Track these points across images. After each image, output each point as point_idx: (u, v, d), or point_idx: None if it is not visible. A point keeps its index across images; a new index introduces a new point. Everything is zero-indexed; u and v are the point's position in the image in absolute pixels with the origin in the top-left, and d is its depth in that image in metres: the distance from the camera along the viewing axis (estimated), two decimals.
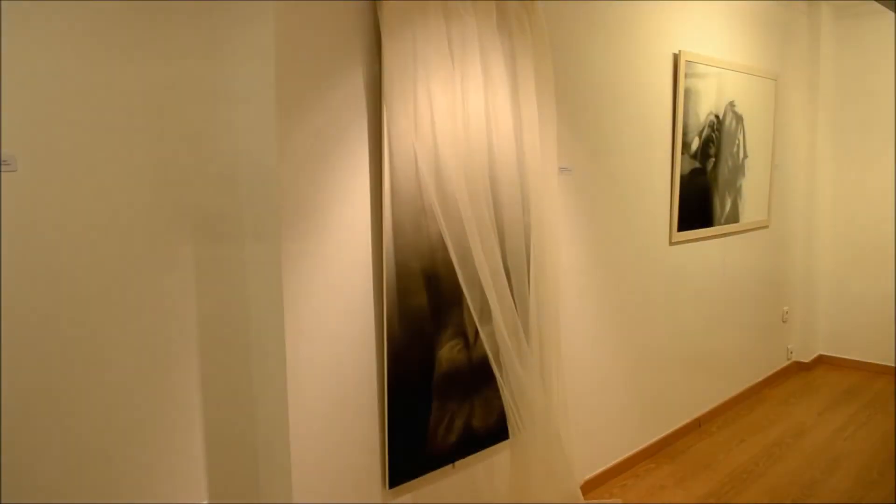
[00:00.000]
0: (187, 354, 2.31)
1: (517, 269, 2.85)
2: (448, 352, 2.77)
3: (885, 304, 5.74)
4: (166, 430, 2.27)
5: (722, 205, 4.67)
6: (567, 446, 3.01)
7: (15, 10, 1.90)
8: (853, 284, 5.90)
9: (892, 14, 5.38)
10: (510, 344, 2.69)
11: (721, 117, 4.53)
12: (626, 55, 3.71)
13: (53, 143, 1.99)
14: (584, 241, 3.54)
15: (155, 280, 2.22)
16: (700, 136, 4.35)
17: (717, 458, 4.14)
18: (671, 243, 4.22)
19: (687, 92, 4.16)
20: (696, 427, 4.60)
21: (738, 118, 4.74)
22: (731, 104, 4.63)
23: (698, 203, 4.44)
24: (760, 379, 5.41)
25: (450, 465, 2.87)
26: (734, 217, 4.83)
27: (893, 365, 5.70)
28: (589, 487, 3.68)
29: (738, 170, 4.82)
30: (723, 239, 4.75)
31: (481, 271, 2.60)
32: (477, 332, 2.74)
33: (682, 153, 4.19)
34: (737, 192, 4.83)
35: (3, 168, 1.90)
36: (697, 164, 4.37)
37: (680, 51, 4.08)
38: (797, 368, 5.93)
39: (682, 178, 4.23)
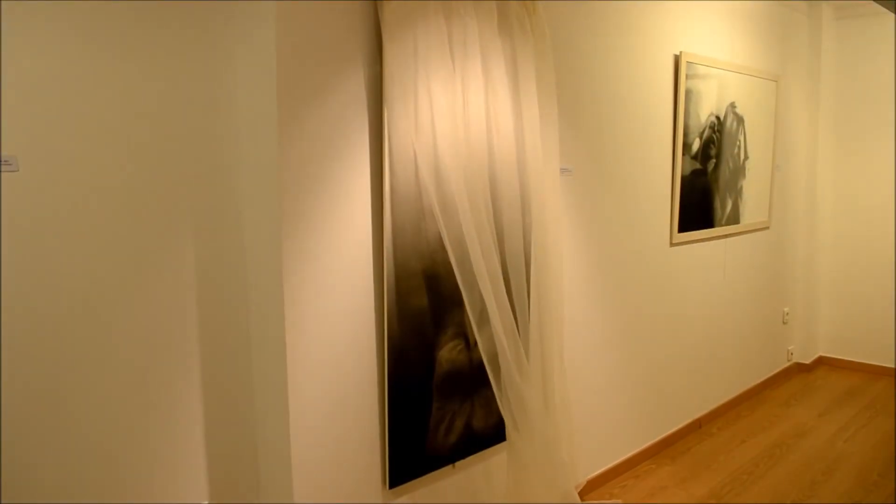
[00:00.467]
0: (188, 354, 2.31)
1: (517, 271, 2.85)
2: (448, 352, 2.77)
3: (885, 305, 5.74)
4: (167, 430, 2.28)
5: (723, 206, 4.67)
6: (567, 447, 3.01)
7: (16, 10, 1.91)
8: (854, 286, 5.90)
9: (893, 15, 5.38)
10: (507, 347, 2.69)
11: (722, 118, 4.53)
12: (627, 56, 3.72)
13: (55, 144, 1.99)
14: (584, 242, 3.54)
15: (155, 280, 2.22)
16: (701, 138, 4.35)
17: (718, 458, 4.14)
18: (672, 244, 4.22)
19: (688, 93, 4.16)
20: (697, 428, 4.60)
21: (739, 119, 4.74)
22: (732, 105, 4.63)
23: (699, 204, 4.44)
24: (761, 380, 5.41)
25: (450, 466, 2.87)
26: (735, 218, 4.83)
27: (894, 366, 5.70)
28: (590, 488, 3.68)
29: (739, 171, 4.82)
30: (723, 240, 4.75)
31: (479, 274, 2.60)
32: (479, 330, 2.74)
33: (683, 154, 4.19)
34: (737, 194, 4.83)
35: (4, 168, 1.90)
36: (698, 166, 4.37)
37: (681, 52, 4.08)
38: (798, 369, 5.93)
39: (683, 179, 4.23)
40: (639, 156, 3.88)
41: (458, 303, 2.75)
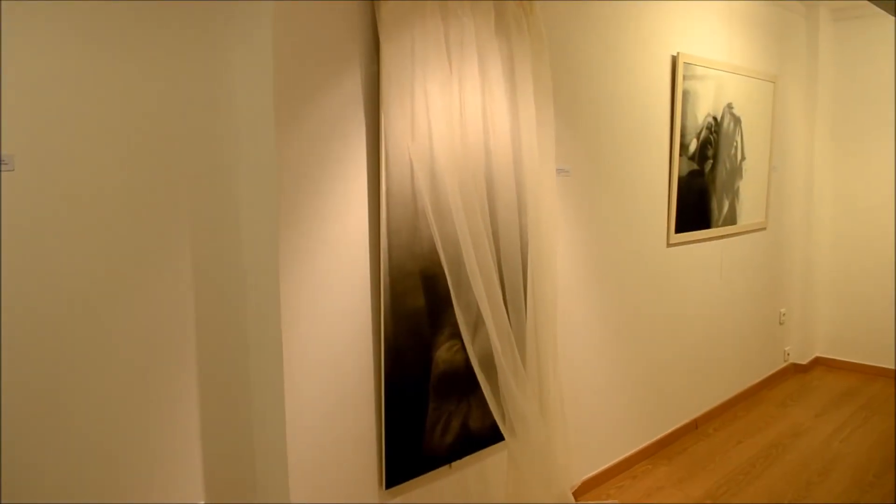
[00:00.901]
0: (185, 354, 2.31)
1: (513, 273, 2.85)
2: (445, 352, 2.78)
3: (882, 306, 5.75)
4: (163, 430, 2.28)
5: (720, 206, 4.67)
6: (563, 449, 3.02)
7: (15, 9, 1.91)
8: (851, 287, 5.91)
9: (891, 16, 5.39)
10: (501, 349, 2.69)
11: (719, 119, 4.54)
12: (624, 57, 3.72)
13: (52, 143, 1.99)
14: (581, 243, 3.54)
15: (153, 280, 2.22)
16: (698, 138, 4.36)
17: (714, 459, 4.15)
18: (669, 245, 4.23)
19: (685, 94, 4.16)
20: (694, 428, 4.61)
21: (736, 120, 4.75)
22: (729, 106, 4.64)
23: (696, 205, 4.44)
24: (758, 380, 5.42)
25: (447, 466, 2.87)
26: (732, 219, 4.84)
27: (893, 367, 5.71)
28: (586, 488, 3.68)
29: (736, 171, 4.83)
30: (720, 241, 4.76)
31: (473, 275, 2.60)
32: (474, 334, 2.74)
33: (680, 155, 4.20)
34: (734, 194, 4.84)
35: (2, 168, 1.90)
36: (695, 166, 4.37)
37: (678, 52, 4.08)
38: (794, 370, 5.94)
39: (680, 179, 4.23)
40: (636, 156, 3.88)
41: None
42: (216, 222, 2.36)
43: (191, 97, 2.28)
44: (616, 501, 3.58)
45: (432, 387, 2.74)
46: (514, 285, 2.86)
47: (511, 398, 2.74)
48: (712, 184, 4.57)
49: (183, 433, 2.32)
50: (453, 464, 2.90)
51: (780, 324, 5.75)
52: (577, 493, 3.59)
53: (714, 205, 4.62)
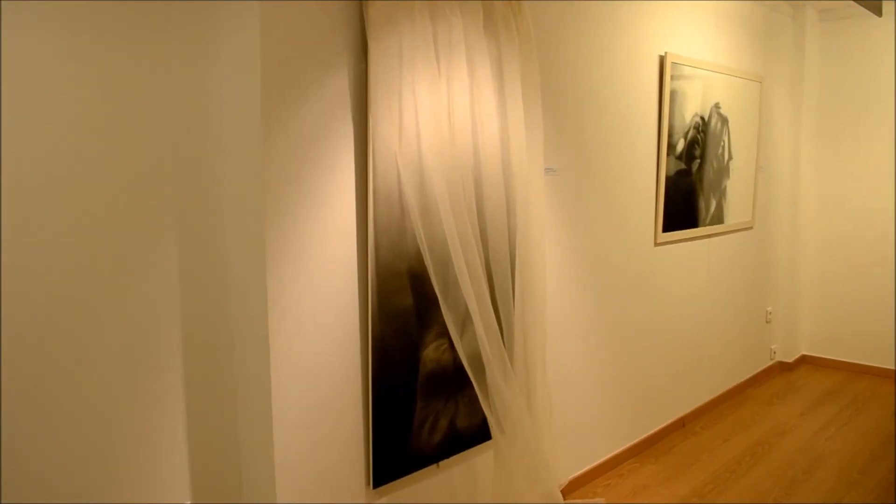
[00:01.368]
0: (170, 353, 2.30)
1: (501, 272, 2.86)
2: (433, 352, 2.78)
3: (867, 304, 5.80)
4: (149, 430, 2.27)
5: (707, 206, 4.69)
6: (550, 447, 3.02)
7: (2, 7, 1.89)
8: (836, 285, 5.96)
9: (876, 17, 5.43)
10: (490, 348, 2.70)
11: (706, 119, 4.56)
12: (612, 57, 3.73)
13: (36, 141, 1.97)
14: (569, 242, 3.55)
15: (138, 278, 2.21)
16: (685, 138, 4.37)
17: (701, 457, 4.17)
18: (656, 244, 4.24)
19: (673, 93, 4.18)
20: (681, 426, 4.63)
21: (724, 120, 4.77)
22: (717, 106, 4.66)
23: (683, 204, 4.46)
24: (744, 379, 5.45)
25: (434, 465, 2.87)
26: (719, 218, 4.86)
27: (894, 368, 5.74)
28: (573, 487, 3.69)
29: (723, 171, 4.85)
30: (707, 240, 4.78)
31: (461, 275, 2.60)
32: (462, 332, 2.74)
33: (668, 154, 4.21)
34: (721, 194, 4.86)
35: None
36: (683, 166, 4.39)
37: (666, 52, 4.10)
38: (780, 368, 5.98)
39: (668, 179, 4.25)
40: (624, 156, 3.90)
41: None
42: (202, 221, 2.36)
43: (177, 96, 2.27)
44: (603, 500, 3.60)
45: (420, 386, 2.75)
46: (503, 284, 2.87)
47: (499, 396, 2.75)
48: (700, 183, 4.59)
49: (169, 433, 2.32)
50: (441, 463, 2.90)
51: (767, 322, 5.79)
52: (565, 492, 3.60)
53: (701, 204, 4.64)
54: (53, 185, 2.02)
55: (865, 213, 5.75)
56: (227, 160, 2.37)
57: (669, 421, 4.52)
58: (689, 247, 4.59)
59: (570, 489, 3.66)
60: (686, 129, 4.37)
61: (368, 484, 2.65)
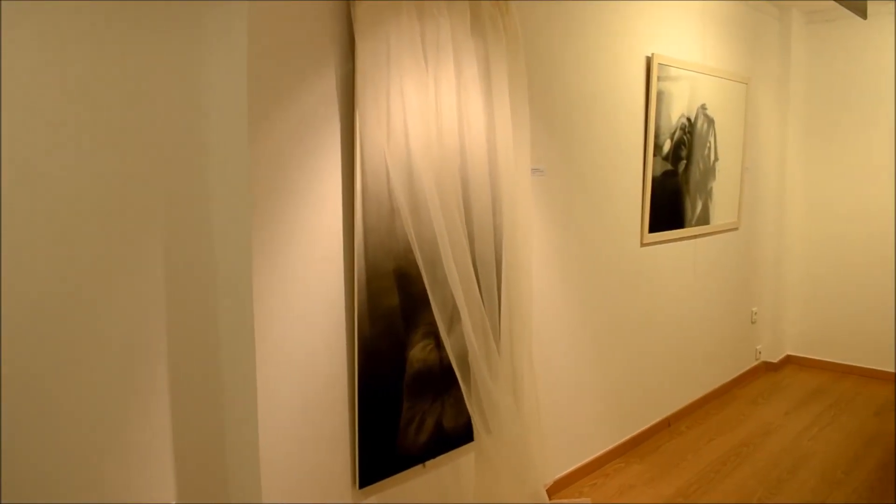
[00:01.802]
0: (156, 352, 2.29)
1: (487, 271, 2.86)
2: (420, 352, 2.78)
3: (853, 304, 5.85)
4: (134, 430, 2.26)
5: (693, 206, 4.72)
6: (537, 447, 3.03)
7: None
8: (822, 286, 6.00)
9: (861, 20, 5.47)
10: (478, 347, 2.70)
11: (693, 120, 4.58)
12: (599, 57, 3.74)
13: (22, 141, 1.96)
14: (555, 242, 3.56)
15: (123, 279, 2.20)
16: (672, 139, 4.39)
17: (686, 457, 4.19)
18: (642, 244, 4.26)
19: (659, 94, 4.20)
20: (667, 426, 4.65)
21: (710, 121, 4.79)
22: (703, 107, 4.68)
23: (670, 205, 4.48)
24: (729, 379, 5.48)
25: (421, 465, 2.87)
26: (705, 219, 4.88)
27: (877, 368, 5.79)
28: (559, 486, 3.70)
29: (709, 172, 4.88)
30: (693, 240, 4.80)
31: (450, 274, 2.61)
32: (449, 330, 2.74)
33: (654, 155, 4.23)
34: (707, 194, 4.88)
35: None
36: (669, 167, 4.41)
37: (653, 54, 4.11)
38: (765, 368, 6.01)
39: (654, 179, 4.26)
40: (610, 156, 3.91)
41: (430, 302, 2.75)
42: (189, 221, 2.35)
43: (165, 96, 2.26)
44: (589, 499, 3.61)
45: (406, 386, 2.74)
46: (489, 284, 2.87)
47: (487, 395, 2.75)
48: (686, 184, 4.61)
49: (154, 432, 2.31)
50: (427, 463, 2.90)
51: (752, 322, 5.82)
52: (550, 491, 3.61)
53: (688, 205, 4.66)
54: (40, 185, 2.00)
55: (851, 214, 5.80)
56: (215, 160, 2.36)
57: (655, 421, 4.54)
58: (676, 247, 4.61)
59: (555, 489, 3.67)
60: (672, 130, 4.38)
61: (355, 484, 2.65)
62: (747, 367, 5.77)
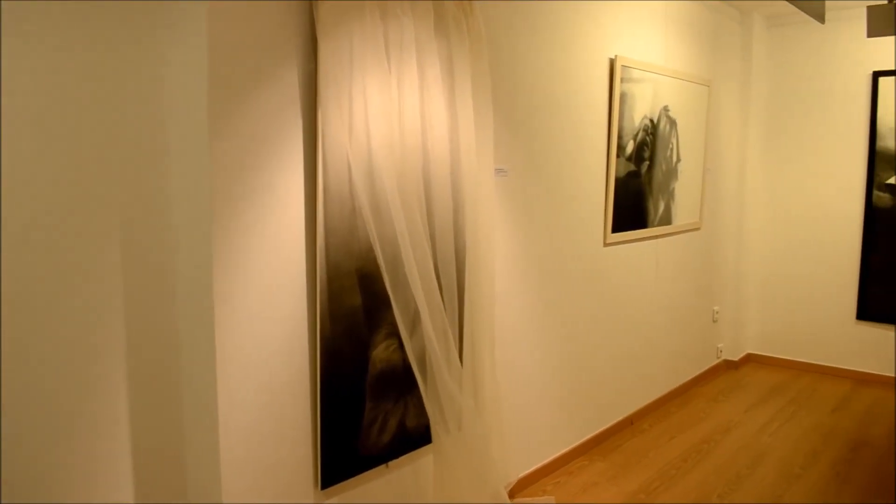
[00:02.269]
0: (113, 353, 2.26)
1: (448, 271, 2.87)
2: (383, 351, 2.77)
3: (811, 304, 5.96)
4: (91, 429, 2.22)
5: (655, 207, 4.77)
6: (498, 447, 3.04)
7: None
8: (781, 285, 6.11)
9: (820, 24, 5.57)
10: (438, 347, 2.71)
11: (655, 121, 4.63)
12: (563, 59, 3.77)
13: None
14: (519, 242, 3.58)
15: (81, 278, 2.17)
16: (635, 140, 4.44)
17: (648, 454, 4.24)
18: (606, 244, 4.30)
19: (622, 96, 4.24)
20: (629, 424, 4.70)
21: (672, 122, 4.85)
22: (666, 109, 4.74)
23: (633, 205, 4.53)
24: (691, 377, 5.56)
25: (383, 466, 2.87)
26: (667, 219, 4.94)
27: (834, 366, 5.92)
28: (523, 485, 3.72)
29: (672, 173, 4.94)
30: (656, 240, 4.86)
31: (411, 274, 2.61)
32: (412, 331, 2.75)
33: (618, 156, 4.27)
34: (670, 195, 4.94)
35: None
36: (632, 167, 4.46)
37: (616, 55, 4.15)
38: (726, 367, 6.11)
39: (618, 180, 4.31)
40: (574, 157, 3.94)
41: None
42: (149, 220, 2.32)
43: (124, 96, 2.23)
44: (552, 497, 3.63)
45: (369, 386, 2.74)
46: (451, 284, 2.88)
47: (447, 395, 2.76)
48: (649, 184, 4.66)
49: (112, 433, 2.28)
50: (390, 463, 2.90)
51: (714, 321, 5.90)
52: (514, 490, 3.63)
53: (650, 205, 4.71)
54: None
55: (810, 215, 5.92)
56: (175, 160, 2.34)
57: (618, 419, 4.59)
58: (639, 247, 4.66)
59: (519, 487, 3.69)
60: (635, 132, 4.43)
61: (317, 485, 2.64)
62: (709, 366, 5.85)
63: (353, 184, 2.55)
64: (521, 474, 3.73)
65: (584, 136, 4.01)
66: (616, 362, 4.52)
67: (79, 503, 2.21)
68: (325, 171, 2.48)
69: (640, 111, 4.45)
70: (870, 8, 3.89)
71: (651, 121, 4.58)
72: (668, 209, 4.93)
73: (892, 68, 5.46)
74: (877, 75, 5.52)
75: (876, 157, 5.57)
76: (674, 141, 4.90)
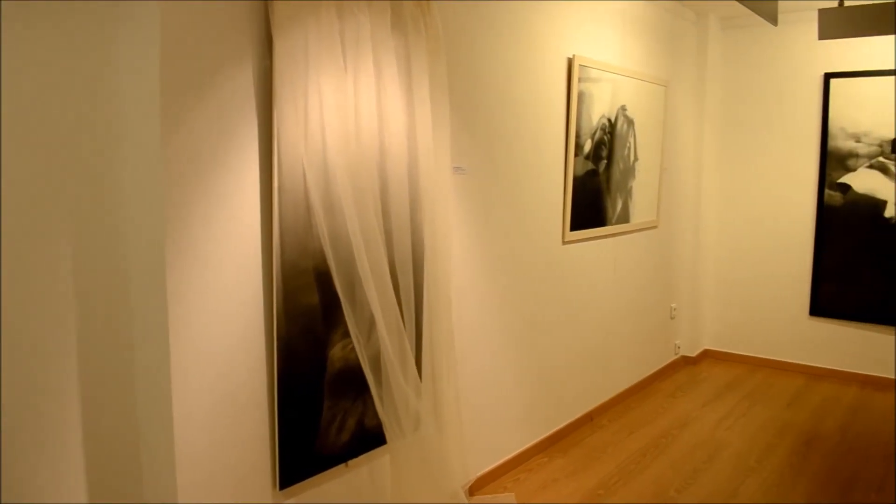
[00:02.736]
0: (65, 353, 2.22)
1: (405, 270, 2.87)
2: (340, 350, 2.77)
3: (766, 300, 6.08)
4: (43, 430, 2.18)
5: (613, 205, 4.82)
6: (455, 447, 3.05)
7: None
8: (736, 283, 6.22)
9: (773, 26, 5.69)
10: (391, 347, 2.71)
11: (613, 121, 4.68)
12: (521, 58, 3.79)
13: None
14: (477, 240, 3.59)
15: (31, 276, 2.13)
16: (593, 139, 4.48)
17: (608, 450, 4.28)
18: (564, 242, 4.33)
19: (580, 95, 4.28)
20: (589, 421, 4.74)
21: (630, 122, 4.91)
22: (623, 108, 4.79)
23: (591, 203, 4.57)
24: (650, 373, 5.63)
25: (343, 465, 2.86)
26: (625, 217, 5.00)
27: (789, 361, 6.04)
28: (482, 483, 3.74)
29: (629, 172, 4.99)
30: (614, 238, 4.91)
31: (363, 273, 2.61)
32: (368, 333, 2.74)
33: (576, 155, 4.31)
34: (628, 194, 5.00)
35: None
36: (591, 166, 4.50)
37: (574, 55, 4.19)
38: (684, 362, 6.19)
39: (576, 178, 4.34)
40: (532, 156, 3.96)
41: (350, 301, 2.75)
42: (101, 218, 2.28)
43: (75, 94, 2.19)
44: (512, 494, 3.65)
45: (327, 385, 2.73)
46: (408, 284, 2.88)
47: (402, 399, 2.76)
48: (607, 183, 4.71)
49: (63, 432, 2.23)
50: (349, 462, 2.90)
51: (671, 318, 5.99)
52: (474, 488, 3.65)
53: (608, 204, 4.76)
54: None
55: (765, 213, 6.03)
56: (127, 158, 2.30)
57: (578, 415, 4.63)
58: (597, 245, 4.71)
59: (479, 485, 3.70)
60: (593, 131, 4.47)
61: (275, 485, 2.62)
62: (667, 362, 5.93)
63: (307, 182, 2.53)
64: (481, 472, 3.74)
65: (543, 135, 4.04)
66: (575, 359, 4.56)
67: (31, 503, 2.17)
68: (281, 169, 2.47)
69: (598, 110, 4.50)
70: (821, 11, 3.98)
71: (609, 120, 4.62)
72: (625, 207, 4.99)
73: (843, 70, 5.59)
74: (828, 77, 5.64)
75: (828, 157, 5.70)
76: (631, 140, 4.96)
